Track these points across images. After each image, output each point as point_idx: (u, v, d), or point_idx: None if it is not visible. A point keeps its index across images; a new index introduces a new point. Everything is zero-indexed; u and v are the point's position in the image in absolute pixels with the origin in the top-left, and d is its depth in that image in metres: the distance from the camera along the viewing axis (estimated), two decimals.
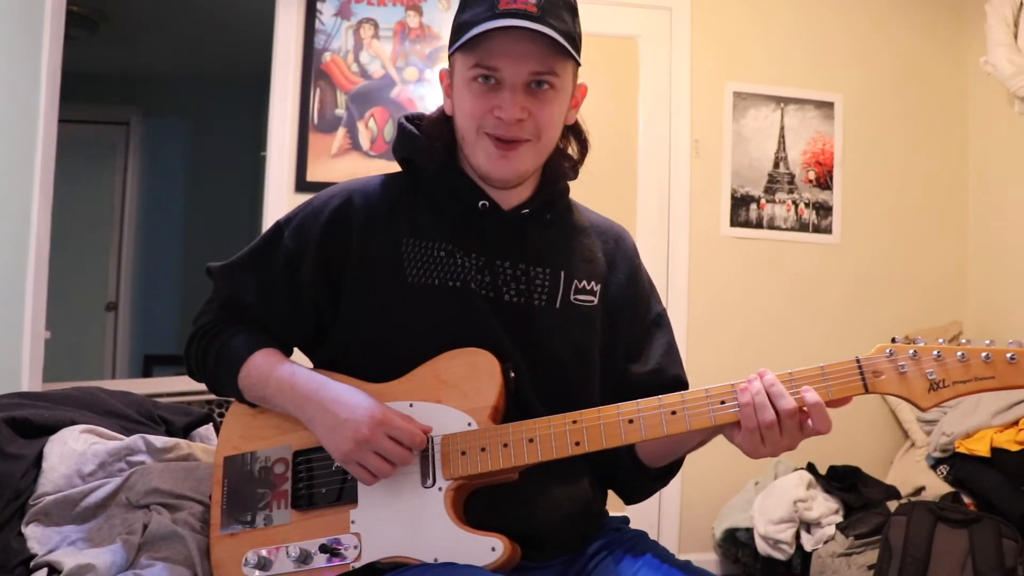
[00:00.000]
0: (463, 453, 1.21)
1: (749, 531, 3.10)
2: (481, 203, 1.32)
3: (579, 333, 1.33)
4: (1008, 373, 1.08)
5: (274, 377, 1.29)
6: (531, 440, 1.19)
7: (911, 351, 1.12)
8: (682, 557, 1.30)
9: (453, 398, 1.24)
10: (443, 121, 1.35)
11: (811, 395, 1.11)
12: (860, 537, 2.83)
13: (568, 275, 1.34)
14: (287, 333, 1.38)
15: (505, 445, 1.20)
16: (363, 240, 1.31)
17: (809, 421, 1.12)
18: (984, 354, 1.09)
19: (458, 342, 1.26)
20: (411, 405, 1.26)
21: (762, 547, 3.00)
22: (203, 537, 1.42)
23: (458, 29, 1.27)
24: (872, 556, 2.73)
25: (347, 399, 1.23)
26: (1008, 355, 1.08)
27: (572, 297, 1.34)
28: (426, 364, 1.27)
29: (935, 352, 1.11)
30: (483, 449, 1.20)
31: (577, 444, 1.19)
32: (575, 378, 1.33)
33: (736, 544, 3.22)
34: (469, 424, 1.23)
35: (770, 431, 1.12)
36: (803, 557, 2.95)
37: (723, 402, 1.16)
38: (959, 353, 1.10)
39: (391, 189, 1.37)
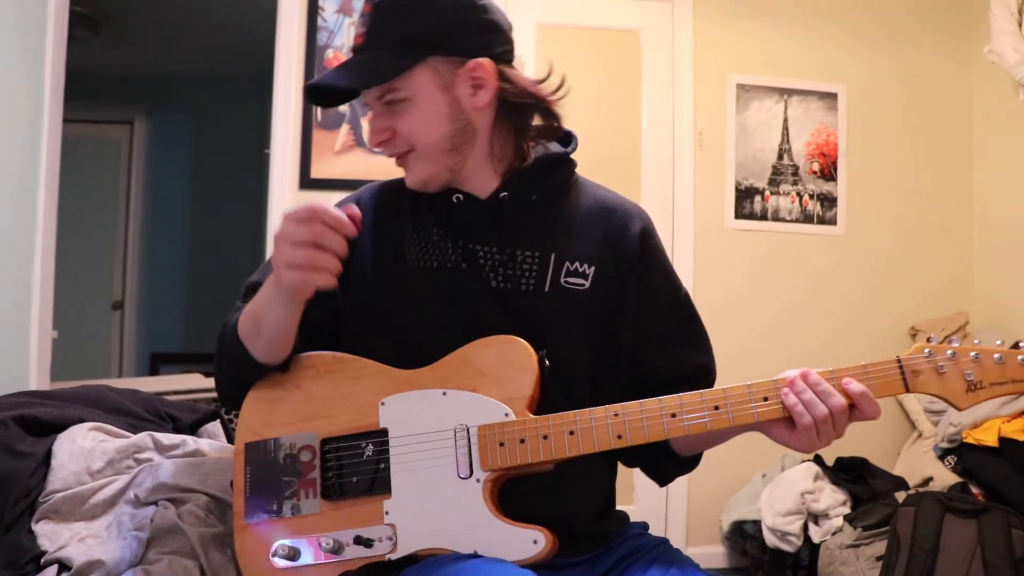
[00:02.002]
0: (501, 444, 1.20)
1: (757, 523, 3.10)
2: (455, 197, 1.33)
3: (565, 317, 1.31)
4: None
5: (257, 293, 1.28)
6: (572, 432, 1.18)
7: (949, 351, 1.13)
8: (690, 550, 1.30)
9: (488, 387, 1.23)
10: None
11: (854, 385, 1.13)
12: (868, 528, 2.82)
13: (559, 257, 1.32)
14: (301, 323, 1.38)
15: (545, 437, 1.19)
16: (368, 233, 1.35)
17: (856, 413, 1.14)
18: (1020, 357, 1.11)
19: (458, 323, 1.27)
20: (444, 393, 1.24)
21: (770, 539, 3.00)
22: (207, 528, 1.43)
23: None
24: (880, 547, 2.73)
25: None
26: None
27: (562, 280, 1.32)
28: (458, 351, 1.26)
29: (973, 353, 1.13)
30: (522, 441, 1.19)
31: (619, 437, 1.18)
32: (562, 363, 1.30)
33: (744, 536, 3.22)
34: (506, 415, 1.21)
35: (825, 425, 1.13)
36: (811, 549, 2.96)
37: (766, 399, 1.15)
38: (996, 355, 1.12)
39: (396, 189, 1.40)
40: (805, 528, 2.97)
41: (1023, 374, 1.11)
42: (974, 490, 2.89)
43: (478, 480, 1.20)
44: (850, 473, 3.16)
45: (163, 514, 1.43)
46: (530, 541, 1.16)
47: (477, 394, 1.23)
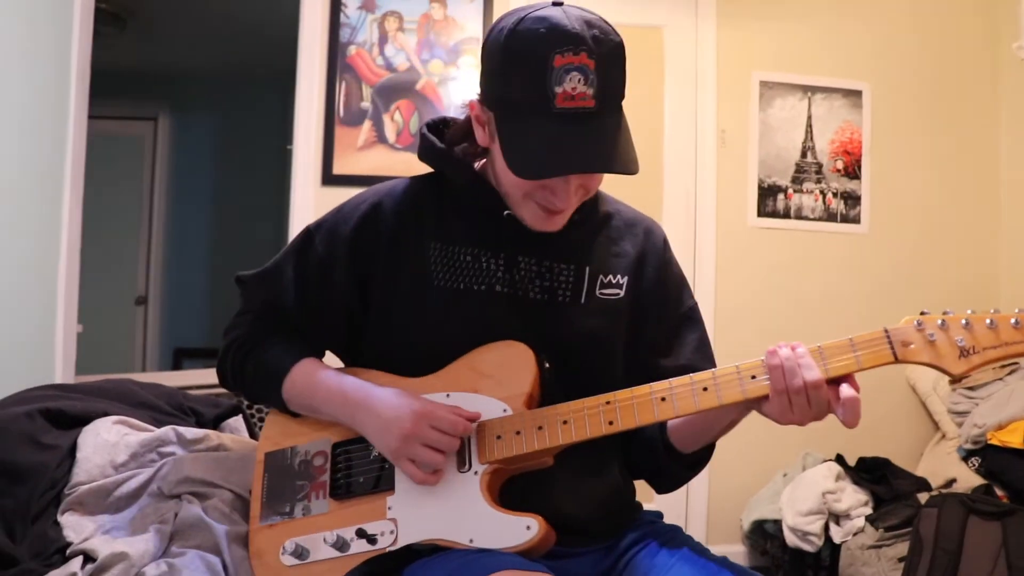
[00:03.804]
0: (498, 437, 1.23)
1: (777, 523, 3.09)
2: (506, 212, 1.32)
3: (602, 325, 1.34)
4: None
5: (322, 387, 1.32)
6: (565, 422, 1.21)
7: (939, 320, 1.13)
8: (710, 549, 1.30)
9: (489, 387, 1.26)
10: (471, 140, 1.34)
11: (847, 390, 1.12)
12: (890, 529, 2.80)
13: (593, 271, 1.34)
14: (321, 337, 1.41)
15: (540, 428, 1.21)
16: (391, 245, 1.34)
17: (839, 410, 1.13)
18: (1013, 320, 1.11)
19: (480, 344, 1.29)
20: (448, 396, 1.28)
21: (790, 539, 2.98)
22: (232, 525, 1.44)
23: (506, 103, 1.21)
24: (902, 548, 2.71)
25: (392, 400, 1.25)
26: None
27: (598, 292, 1.34)
28: (462, 358, 1.29)
29: (963, 320, 1.13)
30: (518, 432, 1.22)
31: (611, 423, 1.20)
32: (598, 370, 1.33)
33: (764, 536, 3.20)
34: (505, 411, 1.25)
35: (798, 396, 1.13)
36: (832, 549, 2.94)
37: (754, 376, 1.17)
38: (987, 320, 1.12)
39: (417, 194, 1.38)
40: (826, 528, 2.95)
41: (1016, 336, 1.10)
42: (998, 492, 2.85)
43: (476, 472, 1.23)
44: (872, 473, 3.14)
45: (188, 508, 1.45)
46: (523, 527, 1.18)
47: (478, 394, 1.27)
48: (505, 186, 1.28)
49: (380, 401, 1.26)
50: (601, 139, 1.17)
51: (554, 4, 1.21)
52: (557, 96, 1.14)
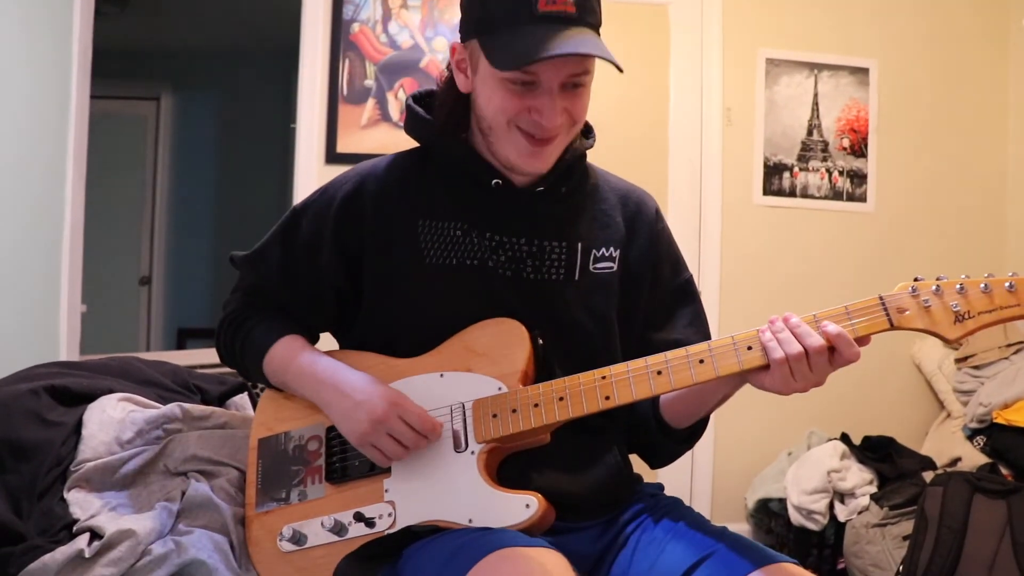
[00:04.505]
0: (494, 416, 1.22)
1: (782, 501, 3.09)
2: (495, 182, 1.31)
3: (599, 300, 1.34)
4: None
5: (294, 364, 1.33)
6: (561, 398, 1.20)
7: (934, 286, 1.13)
8: None
9: (483, 366, 1.26)
10: (454, 99, 1.33)
11: (831, 327, 1.13)
12: (895, 508, 2.81)
13: (585, 246, 1.34)
14: (311, 318, 1.42)
15: (536, 405, 1.21)
16: (377, 224, 1.33)
17: (835, 353, 1.13)
18: (1007, 284, 1.11)
19: (480, 320, 1.28)
20: (442, 375, 1.27)
21: (795, 517, 2.99)
22: (238, 505, 1.44)
23: (487, 21, 1.22)
24: (907, 527, 2.71)
25: (363, 385, 1.26)
26: None
27: (591, 267, 1.34)
28: (455, 336, 1.29)
29: (958, 286, 1.12)
30: (514, 411, 1.21)
31: (607, 398, 1.19)
32: (598, 344, 1.33)
33: (769, 514, 3.21)
34: (499, 388, 1.24)
35: (799, 363, 1.12)
36: (837, 527, 2.94)
37: (750, 347, 1.16)
38: (982, 285, 1.11)
39: (402, 169, 1.37)
40: (831, 507, 2.95)
41: (1010, 301, 1.10)
42: (1004, 471, 2.85)
43: (472, 452, 1.23)
44: (877, 452, 3.14)
45: (196, 487, 1.45)
46: (523, 506, 1.18)
47: (472, 373, 1.26)
48: (489, 118, 1.26)
49: (350, 383, 1.27)
50: (583, 37, 1.19)
51: None
52: (539, 1, 1.17)
